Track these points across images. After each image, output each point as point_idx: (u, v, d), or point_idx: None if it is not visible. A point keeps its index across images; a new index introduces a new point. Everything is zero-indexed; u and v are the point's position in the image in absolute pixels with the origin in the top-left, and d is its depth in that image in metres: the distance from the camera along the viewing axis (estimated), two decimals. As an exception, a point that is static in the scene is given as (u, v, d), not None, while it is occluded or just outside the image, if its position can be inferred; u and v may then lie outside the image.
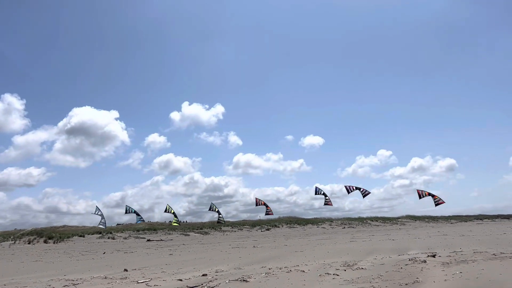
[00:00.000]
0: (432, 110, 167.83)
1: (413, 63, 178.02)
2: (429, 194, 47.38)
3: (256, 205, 52.33)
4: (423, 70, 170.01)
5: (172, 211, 51.81)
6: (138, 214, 49.83)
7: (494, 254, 15.15)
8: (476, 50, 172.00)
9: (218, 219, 52.41)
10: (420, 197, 47.15)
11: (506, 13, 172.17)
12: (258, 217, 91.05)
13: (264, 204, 52.46)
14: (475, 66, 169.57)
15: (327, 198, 51.82)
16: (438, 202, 47.07)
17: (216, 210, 53.81)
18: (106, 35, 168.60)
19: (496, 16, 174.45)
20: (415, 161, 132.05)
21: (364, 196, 47.70)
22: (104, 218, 49.71)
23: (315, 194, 51.40)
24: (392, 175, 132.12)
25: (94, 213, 50.08)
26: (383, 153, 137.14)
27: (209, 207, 52.88)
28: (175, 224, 52.31)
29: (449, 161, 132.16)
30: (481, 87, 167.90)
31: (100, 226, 49.93)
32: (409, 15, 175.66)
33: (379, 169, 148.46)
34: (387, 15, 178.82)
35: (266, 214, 52.53)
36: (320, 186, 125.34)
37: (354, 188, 47.85)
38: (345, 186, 46.89)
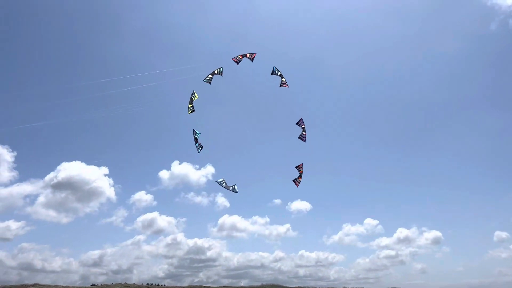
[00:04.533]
0: (417, 181, 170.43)
1: (400, 135, 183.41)
2: (243, 56, 47.34)
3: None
4: (410, 142, 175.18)
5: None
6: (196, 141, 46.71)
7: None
8: (459, 127, 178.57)
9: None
10: (237, 63, 46.99)
11: (487, 92, 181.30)
12: (240, 284, 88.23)
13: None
14: (458, 141, 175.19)
15: (283, 80, 49.24)
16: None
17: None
18: (106, 93, 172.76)
19: (478, 95, 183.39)
20: (401, 232, 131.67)
21: (300, 138, 45.65)
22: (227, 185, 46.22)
23: (272, 74, 48.64)
24: (378, 245, 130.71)
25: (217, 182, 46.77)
26: (370, 222, 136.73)
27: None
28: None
29: (435, 233, 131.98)
30: (465, 161, 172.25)
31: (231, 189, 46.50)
32: (393, 93, 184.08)
33: (366, 238, 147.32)
34: (373, 92, 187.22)
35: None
36: (306, 253, 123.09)
37: (303, 125, 45.69)
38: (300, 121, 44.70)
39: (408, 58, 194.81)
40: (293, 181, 44.45)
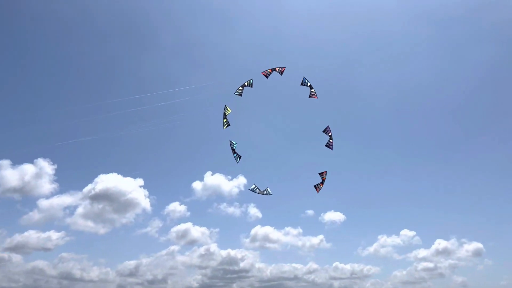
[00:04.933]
0: (456, 191, 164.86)
1: (438, 143, 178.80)
2: (273, 70, 46.86)
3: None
4: (448, 151, 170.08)
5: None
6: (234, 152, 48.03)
7: None
8: (499, 134, 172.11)
9: None
10: (267, 77, 46.52)
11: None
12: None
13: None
14: (498, 149, 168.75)
15: (312, 90, 48.63)
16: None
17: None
18: (141, 108, 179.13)
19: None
20: (440, 243, 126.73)
21: (327, 146, 45.31)
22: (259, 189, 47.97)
23: (301, 84, 48.16)
24: (415, 257, 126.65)
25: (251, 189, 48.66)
26: (407, 233, 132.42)
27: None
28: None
29: (476, 245, 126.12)
30: (505, 170, 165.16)
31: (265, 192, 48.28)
32: (427, 101, 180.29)
33: (402, 250, 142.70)
34: (407, 99, 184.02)
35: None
36: (340, 265, 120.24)
37: (330, 133, 45.48)
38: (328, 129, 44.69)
39: (442, 64, 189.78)
40: (314, 186, 44.74)
